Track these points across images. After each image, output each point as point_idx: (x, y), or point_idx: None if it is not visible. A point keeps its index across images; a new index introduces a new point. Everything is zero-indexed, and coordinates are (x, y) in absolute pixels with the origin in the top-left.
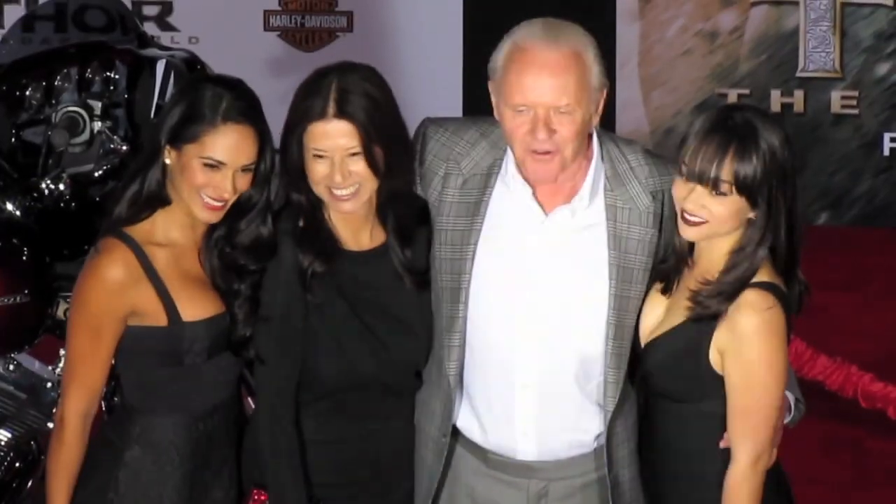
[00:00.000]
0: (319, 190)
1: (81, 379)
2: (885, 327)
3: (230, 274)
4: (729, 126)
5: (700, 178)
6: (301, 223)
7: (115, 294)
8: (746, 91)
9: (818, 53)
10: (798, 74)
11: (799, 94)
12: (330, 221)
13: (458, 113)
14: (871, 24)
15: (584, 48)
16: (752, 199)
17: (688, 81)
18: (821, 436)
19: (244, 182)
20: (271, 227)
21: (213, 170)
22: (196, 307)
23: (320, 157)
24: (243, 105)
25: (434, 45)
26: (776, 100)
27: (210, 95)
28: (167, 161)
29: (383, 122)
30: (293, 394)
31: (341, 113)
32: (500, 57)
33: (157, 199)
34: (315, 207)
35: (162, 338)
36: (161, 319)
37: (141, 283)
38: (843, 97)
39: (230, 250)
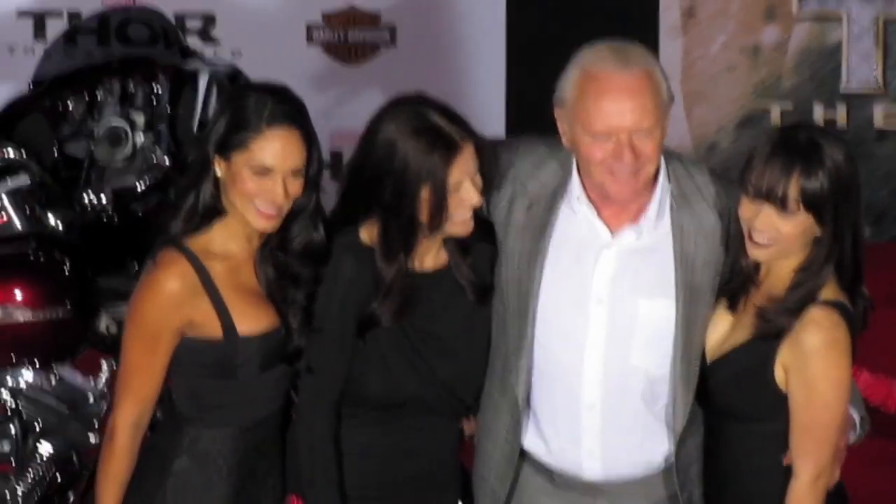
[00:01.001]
0: (451, 220)
1: (135, 390)
2: None
3: (285, 283)
4: (793, 145)
5: (767, 197)
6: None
7: (172, 307)
8: (790, 107)
9: (861, 69)
10: (842, 90)
11: (842, 110)
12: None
13: (501, 129)
14: None
15: (653, 66)
16: (819, 216)
17: (731, 97)
18: (864, 452)
19: (296, 187)
20: (322, 234)
21: (263, 177)
22: (251, 321)
23: (457, 189)
24: (287, 109)
25: (477, 61)
26: (819, 115)
27: (254, 102)
28: (218, 173)
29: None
30: (336, 406)
31: (464, 136)
32: (570, 85)
33: (214, 212)
34: (410, 253)
35: (216, 351)
36: (216, 332)
37: (198, 295)
38: (887, 113)
39: (283, 257)
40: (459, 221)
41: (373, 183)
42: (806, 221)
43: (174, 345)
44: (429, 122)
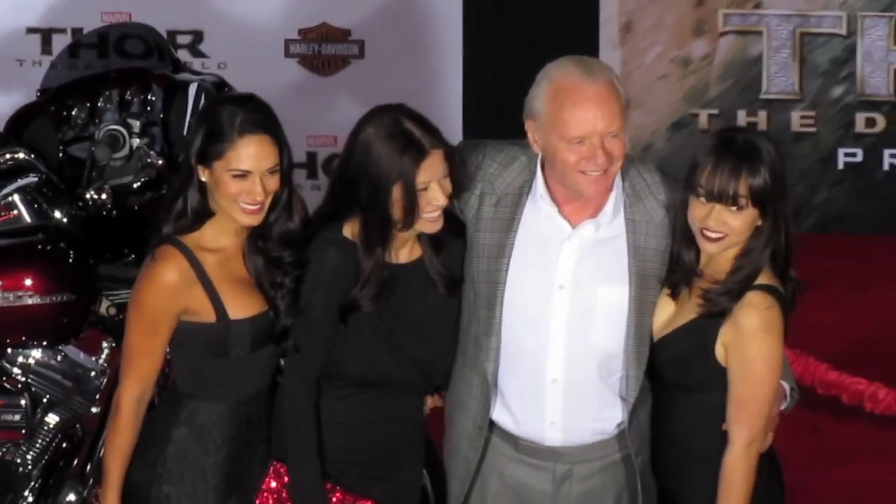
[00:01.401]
0: (420, 221)
1: (137, 369)
2: (840, 324)
3: (272, 269)
4: (735, 148)
5: (720, 198)
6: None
7: (169, 295)
8: (716, 112)
9: (780, 78)
10: (762, 96)
11: (763, 115)
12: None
13: (458, 131)
14: (827, 52)
15: (613, 76)
16: (763, 210)
17: (664, 103)
18: (784, 420)
19: (273, 183)
20: (297, 222)
21: (242, 179)
22: (242, 306)
23: (425, 189)
24: (257, 117)
25: (437, 71)
26: (742, 119)
27: (226, 114)
28: (203, 179)
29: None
30: (316, 381)
31: (433, 143)
32: (542, 99)
33: (203, 214)
34: (386, 247)
35: (210, 333)
36: (210, 317)
37: (193, 285)
38: (802, 117)
39: (264, 245)
40: (428, 220)
41: (353, 182)
42: (753, 215)
43: (172, 329)
44: (402, 128)
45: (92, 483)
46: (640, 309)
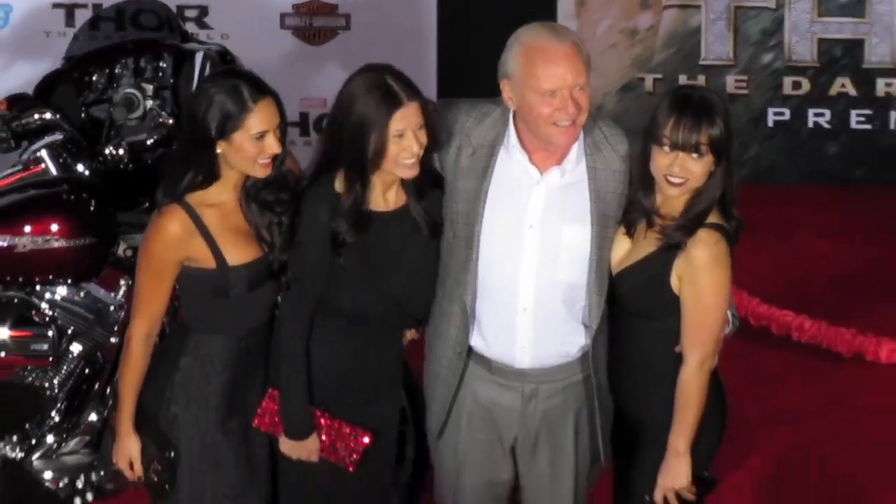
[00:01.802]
0: (394, 165)
1: (146, 310)
2: (769, 264)
3: (266, 212)
4: (693, 104)
5: (684, 147)
6: (348, 208)
7: (173, 246)
8: (660, 76)
9: (716, 46)
10: (700, 62)
11: (701, 79)
12: (370, 196)
13: (434, 92)
14: (758, 23)
15: (577, 38)
16: (718, 156)
17: (614, 69)
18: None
19: (279, 136)
20: (284, 169)
21: (261, 140)
22: (240, 253)
23: (399, 136)
24: (255, 84)
25: (413, 40)
26: (683, 83)
27: (231, 92)
28: (219, 150)
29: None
30: (311, 314)
31: (410, 96)
32: (515, 60)
33: (214, 178)
34: (365, 186)
35: (211, 278)
36: (211, 264)
37: (194, 236)
38: (736, 80)
39: (257, 192)
40: (404, 165)
41: (338, 131)
42: (710, 161)
43: (176, 274)
44: (381, 81)
45: (111, 405)
46: (601, 245)
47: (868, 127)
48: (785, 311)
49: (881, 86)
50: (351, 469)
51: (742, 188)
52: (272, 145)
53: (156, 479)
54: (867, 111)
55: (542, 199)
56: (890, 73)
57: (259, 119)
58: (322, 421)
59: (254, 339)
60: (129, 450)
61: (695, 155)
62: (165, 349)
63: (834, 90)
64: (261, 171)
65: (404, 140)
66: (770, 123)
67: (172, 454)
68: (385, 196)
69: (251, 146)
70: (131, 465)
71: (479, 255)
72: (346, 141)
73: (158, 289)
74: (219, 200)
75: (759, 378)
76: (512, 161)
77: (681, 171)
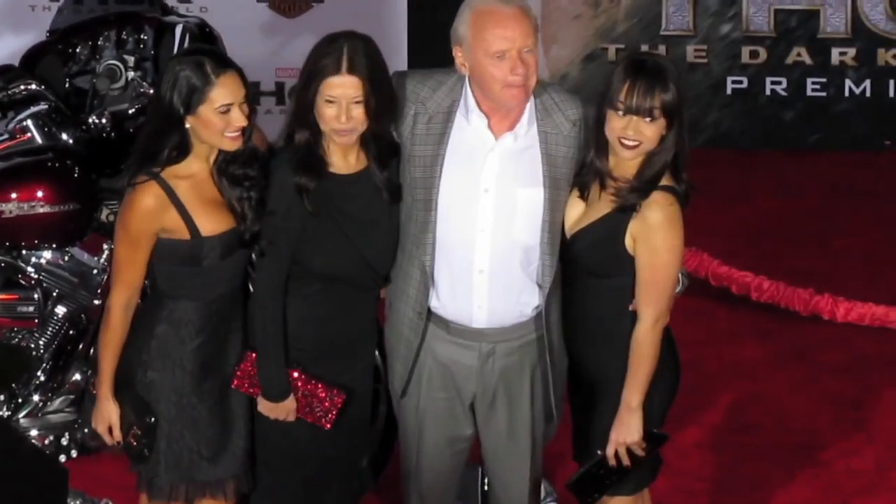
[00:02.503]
0: (327, 128)
1: (124, 279)
2: (728, 226)
3: (236, 186)
4: (647, 70)
5: (638, 111)
6: (299, 154)
7: (147, 217)
8: (622, 46)
9: (677, 17)
10: (661, 33)
11: (662, 48)
12: (325, 151)
13: (404, 64)
14: None
15: (525, 4)
16: (670, 120)
17: (578, 39)
18: (680, 307)
19: (246, 109)
20: (252, 143)
21: (226, 113)
22: (213, 224)
23: (332, 102)
24: (219, 59)
25: (384, 13)
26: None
27: (194, 68)
28: (188, 125)
29: (379, 78)
30: (284, 279)
31: (351, 70)
32: (466, 24)
33: (186, 150)
34: (315, 141)
35: (185, 248)
36: (184, 234)
37: (168, 208)
38: (696, 50)
39: (226, 166)
40: (337, 132)
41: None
42: (662, 125)
43: (151, 245)
44: (335, 47)
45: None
46: (553, 207)
47: (823, 94)
48: (744, 273)
49: (836, 55)
50: (327, 427)
51: (702, 152)
52: (238, 118)
53: (135, 443)
54: (822, 79)
55: (497, 163)
56: (844, 42)
57: (223, 92)
58: (298, 382)
59: (225, 303)
60: (108, 415)
61: (648, 119)
62: (141, 316)
63: (790, 59)
64: (229, 144)
65: (334, 108)
66: (729, 91)
67: (152, 419)
68: (346, 159)
69: (217, 119)
70: (110, 431)
71: (437, 217)
72: (297, 89)
73: (135, 259)
74: (190, 172)
75: (718, 335)
76: (469, 126)
77: (634, 135)
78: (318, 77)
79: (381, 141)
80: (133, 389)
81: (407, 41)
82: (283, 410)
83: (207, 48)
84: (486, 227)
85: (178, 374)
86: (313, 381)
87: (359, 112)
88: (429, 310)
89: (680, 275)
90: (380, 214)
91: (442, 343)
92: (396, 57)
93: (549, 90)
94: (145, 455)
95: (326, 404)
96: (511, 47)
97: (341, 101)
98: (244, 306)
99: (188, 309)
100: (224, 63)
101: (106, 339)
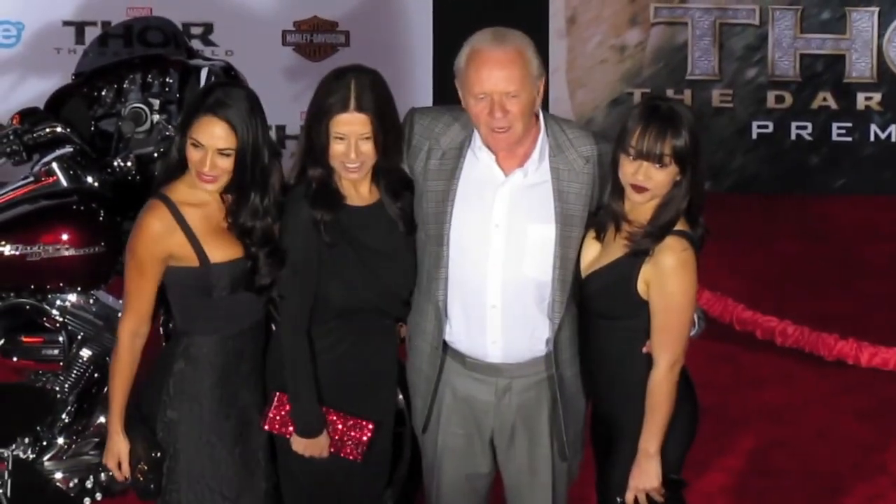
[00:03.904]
0: (337, 163)
1: (133, 307)
2: (753, 269)
3: (244, 236)
4: (660, 114)
5: (648, 157)
6: (314, 188)
7: (154, 241)
8: (648, 90)
9: (702, 61)
10: (687, 77)
11: (688, 93)
12: (338, 185)
13: (429, 104)
14: (742, 39)
15: (525, 47)
16: (682, 166)
17: (603, 84)
18: (705, 351)
19: (223, 163)
20: (270, 199)
21: (198, 149)
22: (222, 252)
23: (341, 139)
24: (225, 104)
25: (409, 55)
26: (670, 97)
27: (202, 93)
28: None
29: (387, 114)
30: (308, 319)
31: (359, 107)
32: (461, 59)
33: (178, 168)
34: (328, 176)
35: (194, 276)
36: (193, 262)
37: (175, 233)
38: (721, 94)
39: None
40: (345, 168)
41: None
42: (674, 171)
43: (160, 272)
44: (343, 83)
45: None
46: (564, 244)
47: (848, 139)
48: (769, 317)
49: (861, 99)
50: (360, 460)
51: (727, 197)
52: (201, 162)
53: (141, 478)
54: (847, 124)
55: (507, 198)
56: (869, 87)
57: (198, 130)
58: (329, 417)
59: (243, 341)
60: (118, 450)
61: (657, 165)
62: (163, 355)
63: (815, 104)
64: (200, 183)
65: (343, 145)
66: (754, 136)
67: (158, 454)
68: (359, 191)
69: (191, 152)
70: (119, 465)
71: (450, 253)
72: (306, 126)
73: (143, 285)
74: (198, 200)
75: (742, 380)
76: (479, 163)
77: (644, 180)
78: (326, 115)
79: (391, 174)
80: (149, 426)
81: (432, 83)
82: (317, 447)
83: (239, 93)
84: (498, 263)
85: (196, 412)
86: (342, 415)
87: (368, 147)
88: (445, 343)
89: (695, 317)
90: (396, 244)
91: (459, 377)
92: (422, 98)
93: (562, 126)
94: (151, 490)
95: (356, 437)
96: (492, 90)
97: (350, 137)
98: (265, 347)
99: (204, 345)
100: (222, 109)
101: (115, 369)
